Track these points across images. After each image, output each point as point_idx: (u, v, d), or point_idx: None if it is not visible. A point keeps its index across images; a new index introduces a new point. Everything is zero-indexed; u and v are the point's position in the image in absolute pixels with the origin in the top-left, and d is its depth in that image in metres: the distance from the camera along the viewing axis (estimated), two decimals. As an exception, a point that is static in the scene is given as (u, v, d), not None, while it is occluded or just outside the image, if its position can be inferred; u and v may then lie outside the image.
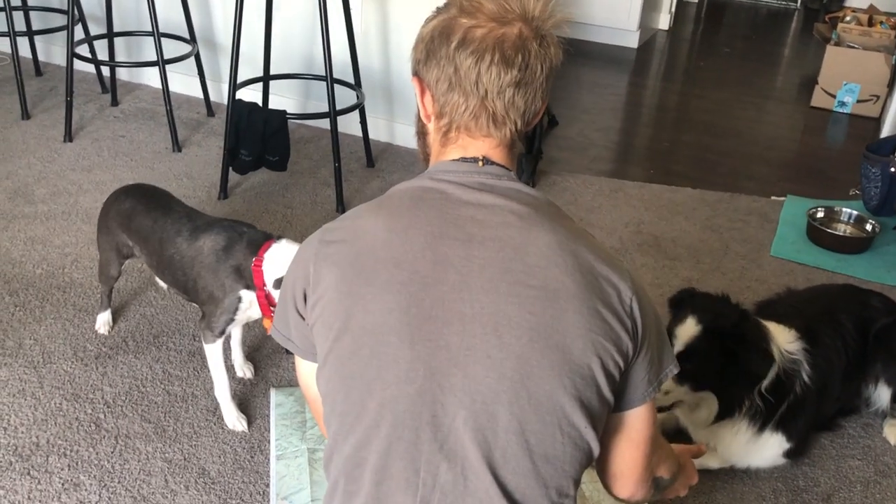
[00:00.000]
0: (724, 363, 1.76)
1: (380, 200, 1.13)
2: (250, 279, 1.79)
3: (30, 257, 2.53)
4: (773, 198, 3.31)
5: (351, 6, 3.04)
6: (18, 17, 3.73)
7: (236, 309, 1.83)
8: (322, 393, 1.13)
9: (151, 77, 3.86)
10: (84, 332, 2.22)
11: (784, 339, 1.90)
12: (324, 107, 3.02)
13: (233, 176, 3.03)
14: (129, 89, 3.87)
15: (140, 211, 1.98)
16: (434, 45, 1.10)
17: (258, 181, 3.10)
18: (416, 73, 1.15)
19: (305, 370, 1.27)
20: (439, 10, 1.13)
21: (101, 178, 3.04)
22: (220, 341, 1.89)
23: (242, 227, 1.86)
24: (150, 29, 3.18)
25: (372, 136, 3.40)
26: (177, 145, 3.31)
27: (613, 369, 1.05)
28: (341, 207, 2.95)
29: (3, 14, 3.40)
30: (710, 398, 1.82)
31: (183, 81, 3.75)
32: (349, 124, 3.37)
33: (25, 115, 3.49)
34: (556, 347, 1.01)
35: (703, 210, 3.16)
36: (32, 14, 3.87)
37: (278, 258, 1.76)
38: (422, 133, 1.20)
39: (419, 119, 1.19)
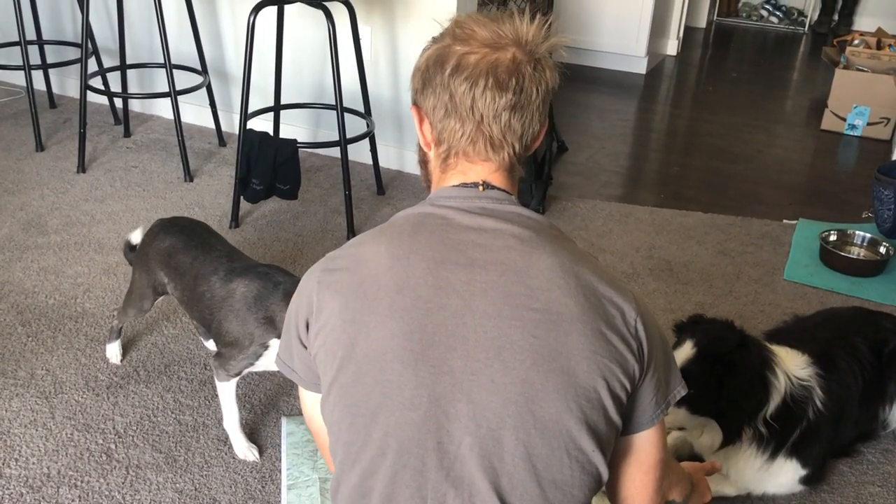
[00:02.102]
0: (719, 389, 1.75)
1: (382, 228, 1.14)
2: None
3: (42, 288, 2.54)
4: (784, 221, 3.29)
5: (360, 36, 3.07)
6: (33, 50, 3.79)
7: (259, 356, 1.82)
8: (327, 422, 1.12)
9: (164, 108, 3.90)
10: (96, 361, 2.22)
11: (795, 364, 1.88)
12: (334, 136, 3.04)
13: (244, 205, 3.04)
14: (142, 120, 3.91)
15: (180, 248, 1.96)
16: (430, 73, 1.12)
17: (269, 210, 3.11)
18: (414, 102, 1.17)
19: (309, 401, 1.27)
20: (435, 40, 1.15)
21: (113, 209, 3.06)
22: (234, 381, 1.88)
23: (279, 277, 1.83)
24: (163, 61, 3.22)
25: (382, 163, 3.41)
26: (188, 175, 3.34)
27: (620, 391, 1.04)
28: (352, 235, 2.96)
29: (18, 48, 3.45)
30: (712, 424, 1.80)
31: (195, 112, 3.79)
32: (360, 152, 3.39)
33: (40, 147, 3.53)
34: (560, 371, 1.01)
35: (714, 234, 3.15)
36: (47, 48, 3.92)
37: None
38: (423, 161, 1.21)
39: (420, 147, 1.20)
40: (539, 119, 1.12)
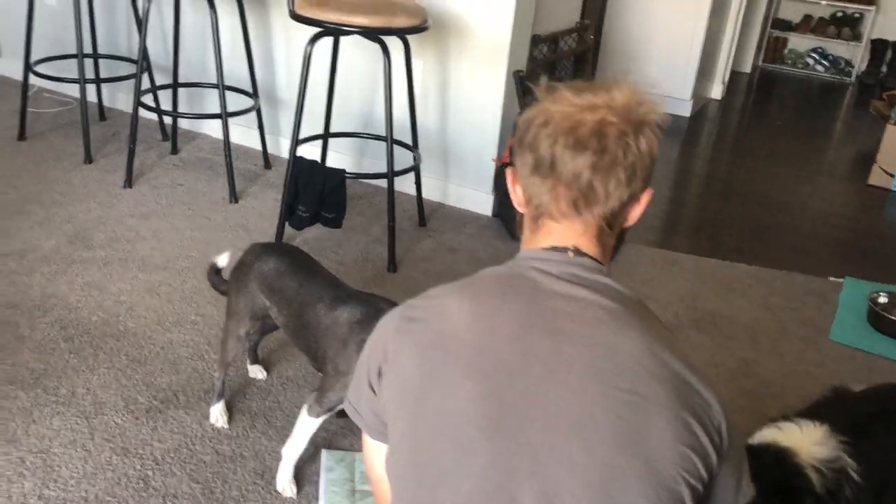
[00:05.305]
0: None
1: (465, 283, 1.12)
2: None
3: (86, 303, 2.55)
4: (830, 279, 3.24)
5: (413, 68, 3.08)
6: (88, 63, 3.84)
7: None
8: (391, 477, 1.10)
9: (211, 127, 3.93)
10: (136, 383, 2.22)
11: (811, 441, 1.65)
12: (379, 165, 3.04)
13: (288, 229, 3.05)
14: (189, 138, 3.94)
15: (284, 272, 1.92)
16: (521, 132, 1.12)
17: (311, 236, 3.11)
18: (511, 163, 1.16)
19: (372, 449, 1.24)
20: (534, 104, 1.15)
21: (157, 226, 3.08)
22: (322, 418, 1.84)
23: (381, 304, 1.80)
24: (215, 81, 3.24)
25: (425, 195, 3.41)
26: (234, 196, 3.35)
27: (697, 483, 1.00)
28: (392, 266, 2.95)
29: (74, 60, 3.50)
30: None
31: (240, 133, 3.82)
32: (402, 182, 3.39)
33: (88, 159, 3.56)
34: (642, 456, 0.97)
35: (758, 288, 3.10)
36: (100, 61, 3.98)
37: None
38: (519, 222, 1.20)
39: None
40: (631, 185, 1.08)
